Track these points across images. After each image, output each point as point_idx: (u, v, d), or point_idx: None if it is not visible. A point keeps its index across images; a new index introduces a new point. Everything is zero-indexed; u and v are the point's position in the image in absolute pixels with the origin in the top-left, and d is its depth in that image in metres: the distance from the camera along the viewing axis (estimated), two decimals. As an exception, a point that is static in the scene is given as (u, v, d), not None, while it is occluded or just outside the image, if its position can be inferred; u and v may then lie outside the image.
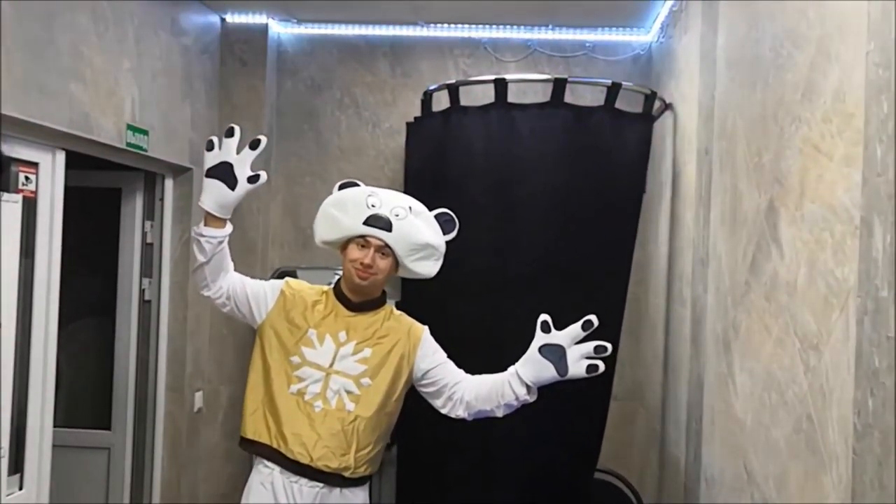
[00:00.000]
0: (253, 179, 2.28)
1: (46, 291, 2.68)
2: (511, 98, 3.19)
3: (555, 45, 3.94)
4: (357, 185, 2.46)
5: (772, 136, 1.94)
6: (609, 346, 2.15)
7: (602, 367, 2.15)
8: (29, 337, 2.58)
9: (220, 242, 2.29)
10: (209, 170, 2.27)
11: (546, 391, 3.20)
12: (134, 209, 3.57)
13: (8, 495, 2.45)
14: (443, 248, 2.43)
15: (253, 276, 2.49)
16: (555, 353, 2.20)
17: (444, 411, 2.40)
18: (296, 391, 2.32)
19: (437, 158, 3.33)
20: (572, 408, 3.15)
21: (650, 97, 3.20)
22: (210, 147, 2.29)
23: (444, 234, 2.44)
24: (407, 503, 3.54)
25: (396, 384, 2.39)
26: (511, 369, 2.29)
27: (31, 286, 2.60)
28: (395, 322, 2.45)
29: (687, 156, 2.96)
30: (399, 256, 2.37)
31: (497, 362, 3.17)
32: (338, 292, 2.45)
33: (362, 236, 2.35)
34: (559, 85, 3.09)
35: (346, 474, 2.33)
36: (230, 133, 2.29)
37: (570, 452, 3.19)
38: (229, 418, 3.80)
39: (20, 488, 2.53)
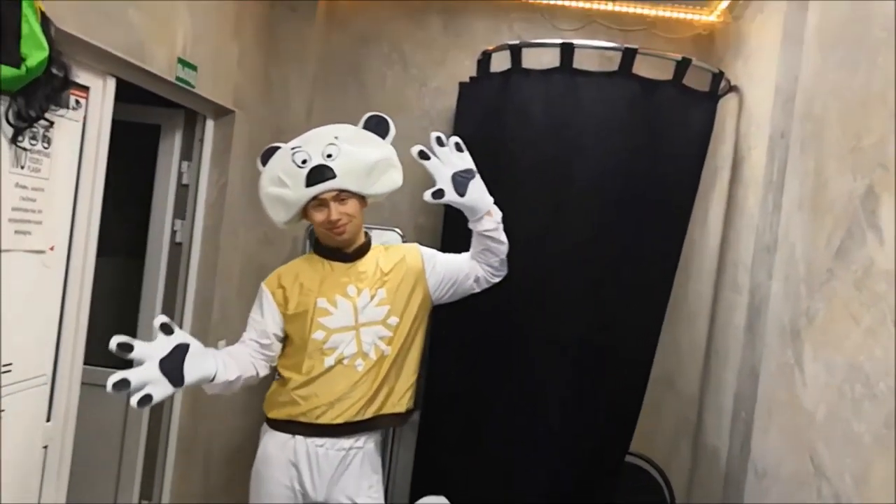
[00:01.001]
0: (167, 330, 2.09)
1: (87, 223, 2.58)
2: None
3: (614, 17, 3.83)
4: (277, 148, 2.37)
5: (876, 118, 1.84)
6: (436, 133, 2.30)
7: (456, 138, 2.34)
8: (68, 268, 2.50)
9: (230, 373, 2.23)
10: (173, 381, 2.05)
11: (584, 373, 3.16)
12: (172, 147, 3.46)
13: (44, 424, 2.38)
14: (392, 152, 2.36)
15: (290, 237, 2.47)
16: (459, 180, 2.30)
17: (479, 289, 2.44)
18: (333, 361, 2.28)
19: (491, 122, 3.22)
20: (608, 389, 3.09)
21: (717, 76, 3.10)
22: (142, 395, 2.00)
23: (384, 137, 2.38)
24: (426, 470, 3.48)
25: (421, 311, 2.39)
26: (471, 226, 2.36)
27: (74, 215, 2.51)
28: (391, 255, 2.42)
29: (754, 139, 2.86)
30: (358, 191, 2.30)
31: (545, 335, 3.12)
32: (324, 251, 2.39)
33: (313, 197, 2.27)
34: (629, 55, 2.98)
35: (390, 411, 2.35)
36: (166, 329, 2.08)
37: (602, 434, 3.13)
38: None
39: (48, 419, 2.46)
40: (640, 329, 3.12)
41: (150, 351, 2.01)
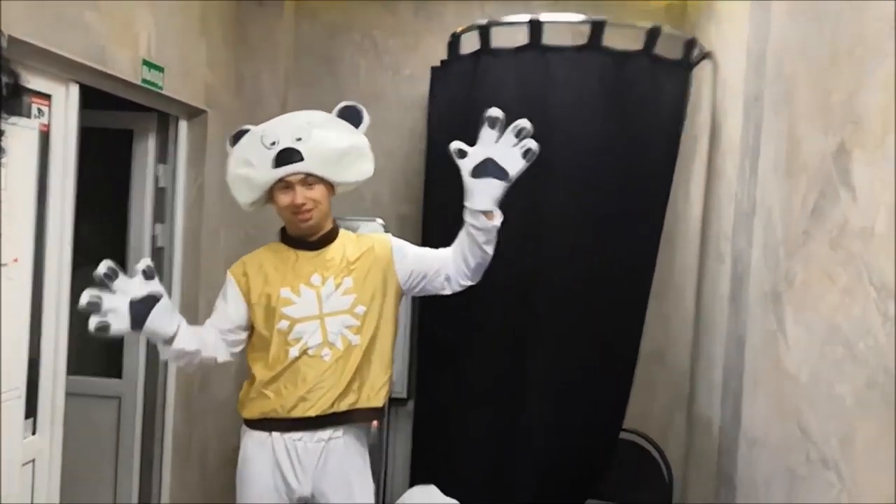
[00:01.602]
0: (148, 274, 2.10)
1: (60, 232, 2.55)
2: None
3: (585, -10, 3.78)
4: (247, 130, 2.33)
5: (845, 74, 1.81)
6: (528, 124, 2.11)
7: (535, 145, 2.10)
8: (41, 279, 2.47)
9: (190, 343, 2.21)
10: (133, 323, 2.07)
11: (574, 350, 3.13)
12: (146, 151, 3.42)
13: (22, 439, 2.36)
14: (364, 142, 2.30)
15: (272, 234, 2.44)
16: (487, 167, 2.11)
17: (448, 292, 2.33)
18: (298, 352, 2.24)
19: (463, 105, 3.17)
20: (599, 366, 3.07)
21: (689, 43, 3.06)
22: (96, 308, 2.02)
23: (357, 126, 2.33)
24: (422, 460, 3.47)
25: (388, 301, 2.32)
26: (465, 215, 2.20)
27: (45, 226, 2.48)
28: (360, 243, 2.36)
29: (729, 105, 2.83)
30: (326, 176, 2.26)
31: (530, 312, 3.09)
32: (289, 240, 2.35)
33: (280, 179, 2.23)
34: (597, 27, 2.94)
35: (366, 405, 2.29)
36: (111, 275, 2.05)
37: (595, 412, 3.11)
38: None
39: (34, 433, 2.44)
40: (626, 305, 3.09)
41: (126, 286, 2.06)
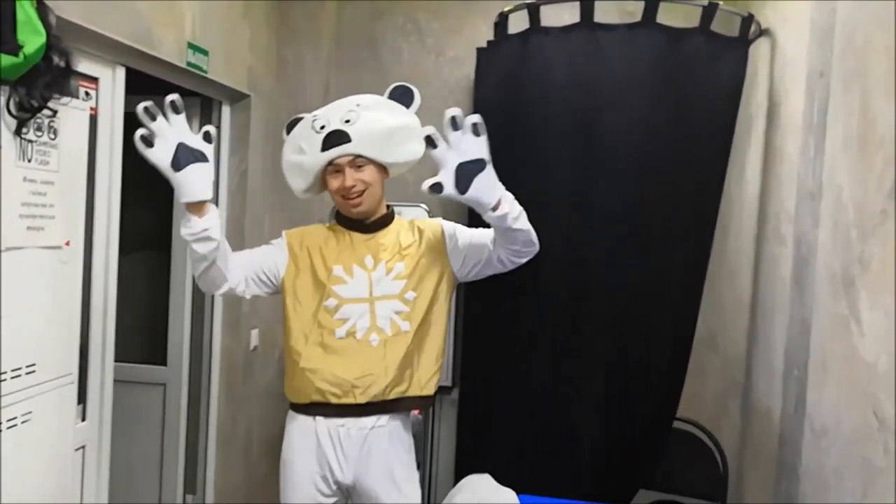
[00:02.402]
0: (207, 138, 2.04)
1: (107, 217, 2.54)
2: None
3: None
4: (301, 118, 2.31)
5: (927, 44, 1.71)
6: (457, 112, 1.97)
7: (476, 118, 1.99)
8: (90, 264, 2.45)
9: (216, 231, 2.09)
10: (174, 162, 1.99)
11: (626, 336, 3.06)
12: (190, 137, 3.40)
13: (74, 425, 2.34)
14: (415, 122, 2.22)
15: (317, 220, 2.40)
16: (465, 173, 1.98)
17: (506, 269, 2.23)
18: (345, 333, 2.19)
19: (511, 87, 3.11)
20: (652, 353, 3.00)
21: (747, 20, 2.95)
22: (149, 141, 1.97)
23: (408, 107, 2.27)
24: (468, 449, 3.42)
25: (440, 288, 2.26)
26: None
27: (93, 210, 2.46)
28: (414, 228, 2.31)
29: (790, 82, 2.72)
30: (375, 158, 2.20)
31: (581, 299, 3.04)
32: (344, 221, 2.30)
33: (329, 163, 2.18)
34: (651, 4, 2.85)
35: (421, 392, 2.25)
36: (174, 108, 1.99)
37: (648, 400, 3.04)
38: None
39: (83, 419, 2.43)
40: (680, 289, 3.01)
41: (184, 130, 2.01)
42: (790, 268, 2.55)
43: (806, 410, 2.32)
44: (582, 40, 2.92)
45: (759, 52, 3.05)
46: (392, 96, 2.31)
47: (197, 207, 2.04)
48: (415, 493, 2.28)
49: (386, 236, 2.29)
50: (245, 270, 2.25)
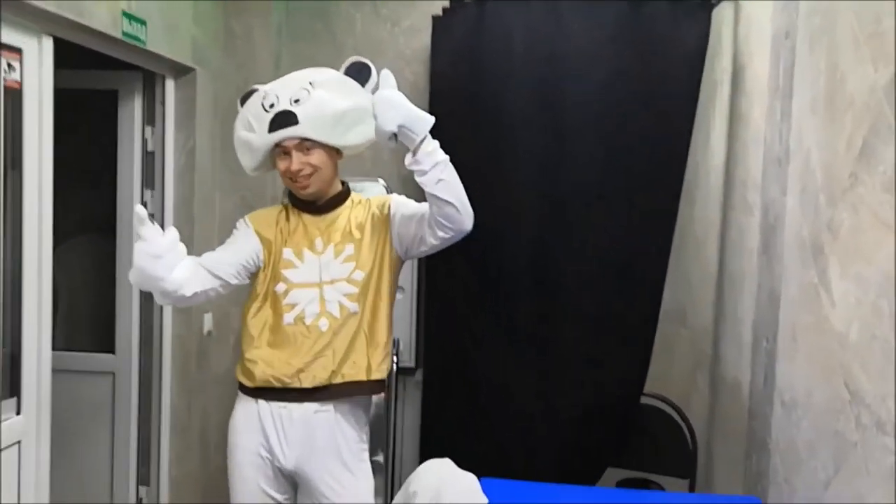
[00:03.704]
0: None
1: (38, 200, 2.38)
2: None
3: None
4: (256, 90, 2.19)
5: (898, -4, 1.61)
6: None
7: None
8: (20, 253, 2.30)
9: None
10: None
11: (591, 311, 2.98)
12: (132, 113, 3.23)
13: (5, 420, 2.20)
14: (368, 102, 2.04)
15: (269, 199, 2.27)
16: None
17: (439, 243, 2.07)
18: (293, 319, 2.09)
19: (468, 56, 3.02)
20: (618, 327, 2.92)
21: (710, -17, 2.86)
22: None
23: (364, 84, 2.15)
24: (433, 431, 3.32)
25: (385, 266, 2.16)
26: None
27: (21, 197, 2.30)
28: (367, 206, 2.19)
29: (755, 45, 2.64)
30: (323, 141, 2.08)
31: (545, 272, 2.96)
32: (296, 202, 2.19)
33: (277, 144, 2.06)
34: (611, -33, 2.75)
35: (370, 377, 2.14)
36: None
37: (614, 376, 2.97)
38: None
39: (17, 413, 2.28)
40: (646, 262, 2.94)
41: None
42: (758, 237, 2.47)
43: (776, 383, 2.25)
44: (541, 6, 2.82)
45: (722, 15, 2.97)
46: (349, 73, 2.17)
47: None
48: (364, 483, 2.18)
49: (338, 217, 2.18)
50: (220, 271, 2.13)
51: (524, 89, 2.95)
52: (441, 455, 2.25)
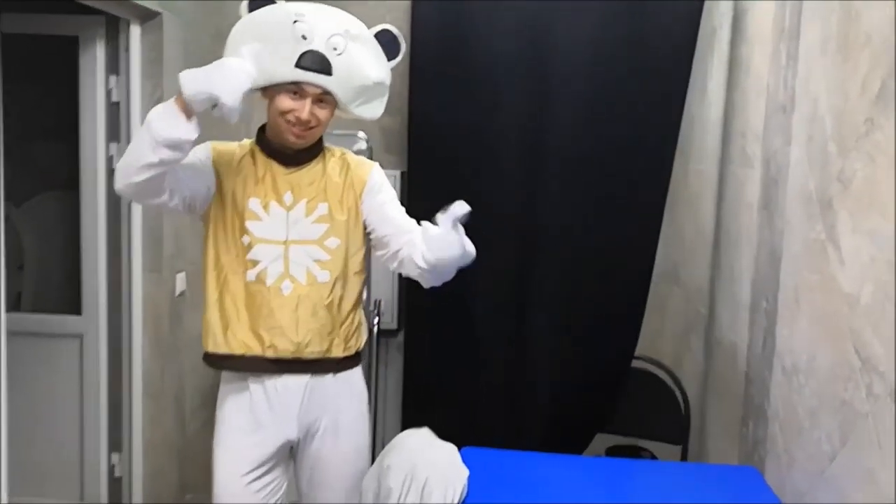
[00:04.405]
0: None
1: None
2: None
3: None
4: (273, 1, 1.88)
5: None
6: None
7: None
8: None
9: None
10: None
11: (580, 270, 2.84)
12: (95, 62, 3.03)
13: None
14: (389, 80, 1.93)
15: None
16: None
17: (401, 270, 1.97)
18: (255, 277, 1.90)
19: (452, 37, 2.84)
20: (608, 287, 2.79)
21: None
22: None
23: (389, 59, 1.96)
24: (414, 397, 3.19)
25: (360, 234, 2.00)
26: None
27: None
28: (344, 165, 2.00)
29: (758, -15, 2.46)
30: (341, 102, 1.88)
31: (533, 229, 2.82)
32: (267, 147, 1.97)
33: (295, 82, 1.85)
34: None
35: (338, 354, 1.97)
36: None
37: (605, 338, 2.83)
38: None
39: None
40: (638, 218, 2.80)
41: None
42: (758, 191, 2.32)
43: (776, 347, 2.11)
44: None
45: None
46: (378, 39, 1.97)
47: (190, 109, 1.70)
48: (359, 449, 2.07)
49: (311, 171, 1.99)
50: (176, 185, 1.89)
51: (510, 50, 2.81)
52: (423, 422, 2.13)
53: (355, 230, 1.99)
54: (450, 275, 1.89)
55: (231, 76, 1.69)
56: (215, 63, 1.74)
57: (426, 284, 1.93)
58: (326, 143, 2.07)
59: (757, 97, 2.39)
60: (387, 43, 1.95)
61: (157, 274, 3.21)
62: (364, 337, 2.08)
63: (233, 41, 1.89)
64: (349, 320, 2.00)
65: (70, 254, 3.18)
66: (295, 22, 1.83)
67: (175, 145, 1.70)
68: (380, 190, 2.01)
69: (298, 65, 1.82)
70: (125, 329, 3.16)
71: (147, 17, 3.05)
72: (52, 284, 3.31)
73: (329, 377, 2.01)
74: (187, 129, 1.69)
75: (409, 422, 2.82)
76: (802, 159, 1.97)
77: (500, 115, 2.82)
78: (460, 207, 1.73)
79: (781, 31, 2.18)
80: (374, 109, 1.98)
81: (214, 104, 1.68)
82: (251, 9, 1.88)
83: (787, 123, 2.09)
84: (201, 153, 1.95)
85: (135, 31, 3.06)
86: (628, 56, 2.72)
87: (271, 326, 1.91)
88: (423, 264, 1.85)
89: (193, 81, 1.66)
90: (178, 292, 3.32)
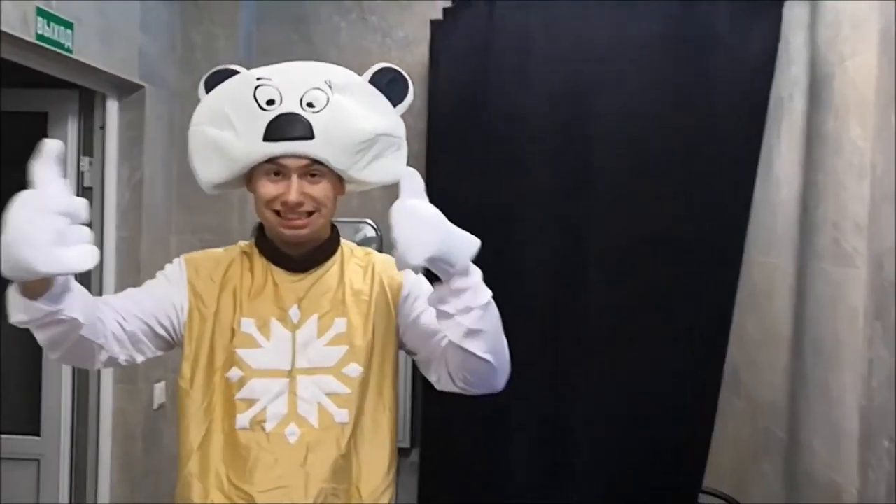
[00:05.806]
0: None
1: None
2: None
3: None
4: (235, 71, 1.47)
5: None
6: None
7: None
8: None
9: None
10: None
11: (631, 384, 2.40)
12: (65, 140, 2.67)
13: None
14: (402, 130, 1.47)
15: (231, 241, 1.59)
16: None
17: (439, 387, 1.50)
18: (248, 423, 1.41)
19: (476, 67, 2.48)
20: (665, 406, 2.36)
21: (779, -24, 2.34)
22: None
23: (395, 103, 1.50)
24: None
25: (390, 358, 1.52)
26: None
27: None
28: (368, 267, 1.54)
29: (849, 46, 2.06)
30: (339, 169, 1.44)
31: (573, 335, 2.42)
32: (267, 249, 1.52)
33: (271, 160, 1.42)
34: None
35: None
36: None
37: (660, 468, 2.39)
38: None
39: None
40: (702, 321, 2.39)
41: None
42: (864, 296, 1.87)
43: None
44: (567, 4, 2.33)
45: (791, 15, 2.41)
46: (375, 83, 1.52)
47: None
48: None
49: (326, 276, 1.52)
50: (130, 325, 1.46)
51: (544, 109, 2.46)
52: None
53: (390, 355, 1.52)
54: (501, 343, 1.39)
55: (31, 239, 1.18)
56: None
57: (486, 368, 1.42)
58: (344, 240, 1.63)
59: (852, 178, 1.98)
60: (388, 84, 1.51)
61: (130, 385, 2.79)
62: (394, 490, 1.58)
63: (192, 131, 1.47)
64: (381, 469, 1.52)
65: (28, 364, 2.75)
66: (258, 87, 1.41)
67: (44, 324, 1.25)
68: (415, 289, 1.55)
69: (267, 137, 1.39)
70: (91, 451, 2.76)
71: (126, 90, 2.74)
72: (7, 400, 2.87)
73: None
74: (39, 306, 1.23)
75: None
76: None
77: (532, 196, 2.48)
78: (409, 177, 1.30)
79: (888, 95, 1.77)
80: (389, 168, 1.49)
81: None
82: (209, 87, 1.47)
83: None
84: (171, 268, 1.51)
85: (112, 107, 2.76)
86: (685, 126, 2.36)
87: (270, 488, 1.42)
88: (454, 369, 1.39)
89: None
90: (156, 405, 2.88)
